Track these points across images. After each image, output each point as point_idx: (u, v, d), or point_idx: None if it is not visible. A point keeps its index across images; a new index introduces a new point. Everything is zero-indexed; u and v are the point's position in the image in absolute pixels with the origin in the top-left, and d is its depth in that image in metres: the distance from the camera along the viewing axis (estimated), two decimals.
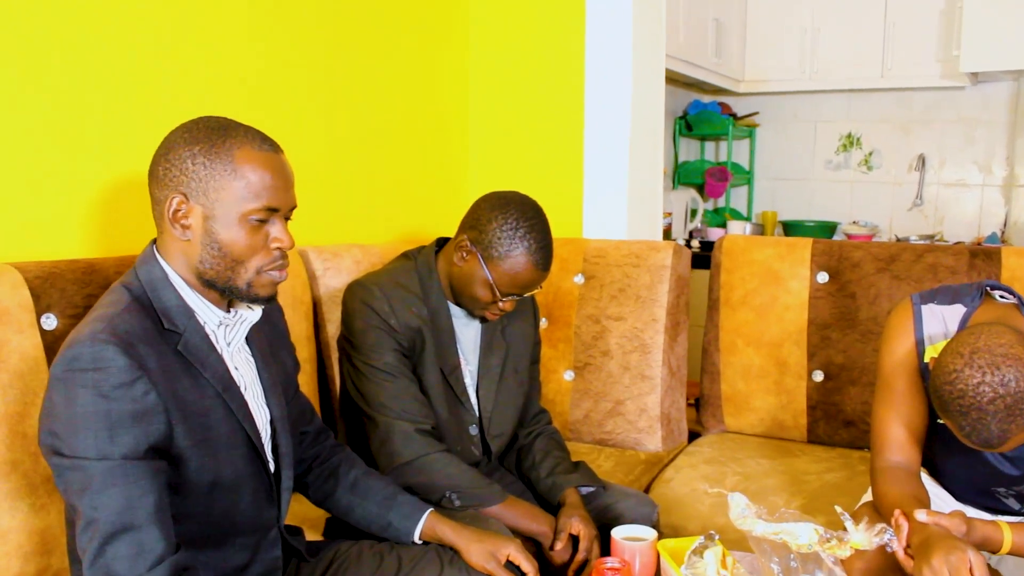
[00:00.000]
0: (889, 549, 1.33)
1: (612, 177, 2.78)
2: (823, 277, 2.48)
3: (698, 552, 1.50)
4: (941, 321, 1.61)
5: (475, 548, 1.49)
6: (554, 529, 1.72)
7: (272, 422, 1.42)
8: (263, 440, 1.38)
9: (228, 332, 1.36)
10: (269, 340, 1.49)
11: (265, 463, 1.38)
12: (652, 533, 1.63)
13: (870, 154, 4.70)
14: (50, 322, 1.57)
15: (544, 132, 2.88)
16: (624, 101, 2.76)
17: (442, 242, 1.89)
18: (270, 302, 1.35)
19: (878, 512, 1.59)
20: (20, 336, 1.51)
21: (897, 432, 1.63)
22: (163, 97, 1.91)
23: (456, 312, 1.84)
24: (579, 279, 2.55)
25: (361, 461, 1.65)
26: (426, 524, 1.55)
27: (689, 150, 5.03)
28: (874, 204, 4.72)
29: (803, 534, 1.23)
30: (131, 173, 1.86)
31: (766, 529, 1.25)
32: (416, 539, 1.55)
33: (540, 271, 1.73)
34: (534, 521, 1.72)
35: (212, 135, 1.27)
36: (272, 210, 1.29)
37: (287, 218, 1.33)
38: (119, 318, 1.22)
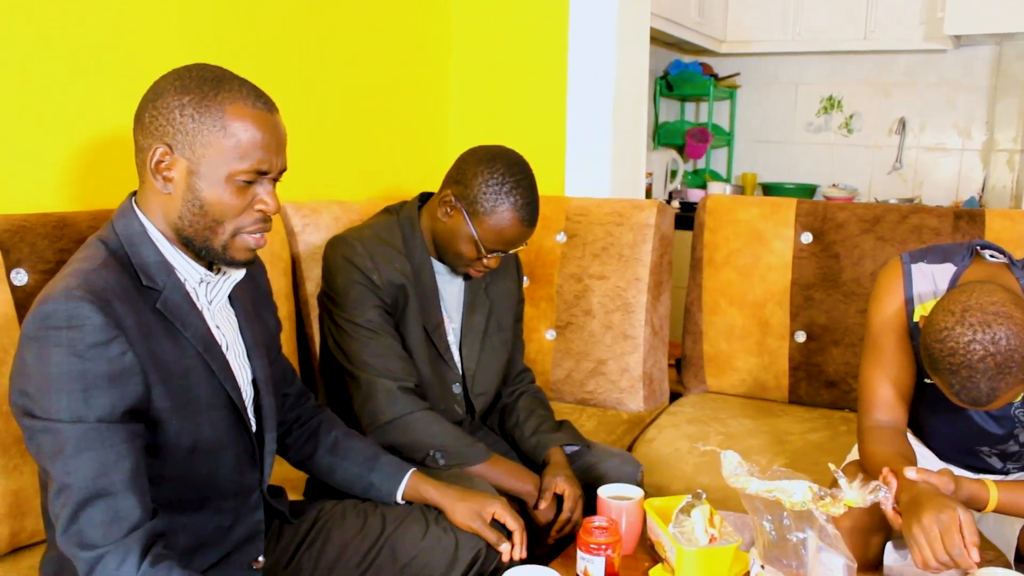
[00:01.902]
0: (883, 506, 1.32)
1: (595, 135, 2.74)
2: (807, 237, 2.47)
3: (685, 511, 1.49)
4: (931, 280, 1.59)
5: (460, 507, 1.47)
6: (539, 488, 1.71)
7: (255, 383, 1.38)
8: (245, 401, 1.34)
9: (210, 290, 1.31)
10: (252, 299, 1.44)
11: (247, 425, 1.33)
12: (638, 492, 1.62)
13: (851, 117, 4.68)
14: (20, 277, 1.53)
15: (526, 89, 2.82)
16: (608, 58, 2.71)
17: (425, 197, 1.84)
18: (246, 266, 1.30)
19: (865, 471, 1.58)
20: None
21: (885, 391, 1.62)
22: (138, 48, 1.84)
23: (439, 269, 1.80)
24: (561, 237, 2.52)
25: (342, 422, 1.61)
26: (409, 484, 1.52)
27: (669, 110, 4.99)
28: (854, 167, 4.71)
29: (797, 492, 1.21)
30: (105, 125, 1.80)
31: (759, 487, 1.24)
32: (399, 499, 1.53)
33: (526, 227, 1.70)
34: (519, 480, 1.70)
35: (204, 86, 1.20)
36: (261, 173, 1.23)
37: (275, 180, 1.27)
38: (95, 274, 1.16)
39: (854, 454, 1.81)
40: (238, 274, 1.33)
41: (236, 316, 1.38)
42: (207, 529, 1.31)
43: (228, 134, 1.19)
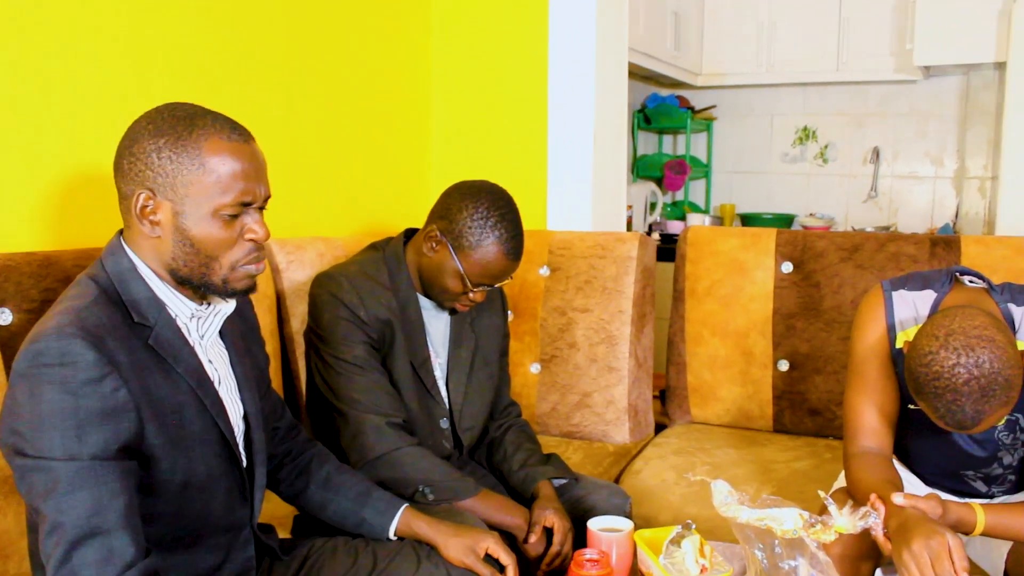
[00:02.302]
0: (873, 533, 1.33)
1: (576, 169, 2.77)
2: (787, 267, 2.50)
3: (675, 542, 1.49)
4: (912, 307, 1.62)
5: (453, 543, 1.47)
6: (528, 521, 1.70)
7: (246, 417, 1.38)
8: (236, 436, 1.33)
9: (201, 325, 1.31)
10: (241, 332, 1.45)
11: (238, 460, 1.33)
12: (628, 524, 1.62)
13: (826, 147, 4.74)
14: (5, 317, 1.53)
15: (507, 124, 2.85)
16: (588, 92, 2.74)
17: (410, 233, 1.85)
18: (248, 294, 1.31)
19: (852, 498, 1.59)
20: None
21: (870, 418, 1.63)
22: (121, 86, 1.85)
23: (425, 304, 1.81)
24: (544, 271, 2.53)
25: (333, 457, 1.61)
26: (401, 520, 1.52)
27: (647, 143, 5.04)
28: (830, 196, 4.77)
29: (788, 519, 1.22)
30: (89, 163, 1.80)
31: (750, 515, 1.24)
32: (391, 535, 1.52)
33: (511, 261, 1.71)
34: (508, 514, 1.70)
35: (178, 126, 1.20)
36: (246, 204, 1.24)
37: (262, 208, 1.28)
38: (86, 311, 1.16)
39: (841, 481, 1.82)
40: (228, 307, 1.33)
41: (227, 350, 1.38)
42: (199, 567, 1.30)
43: (208, 170, 1.20)
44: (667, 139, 5.12)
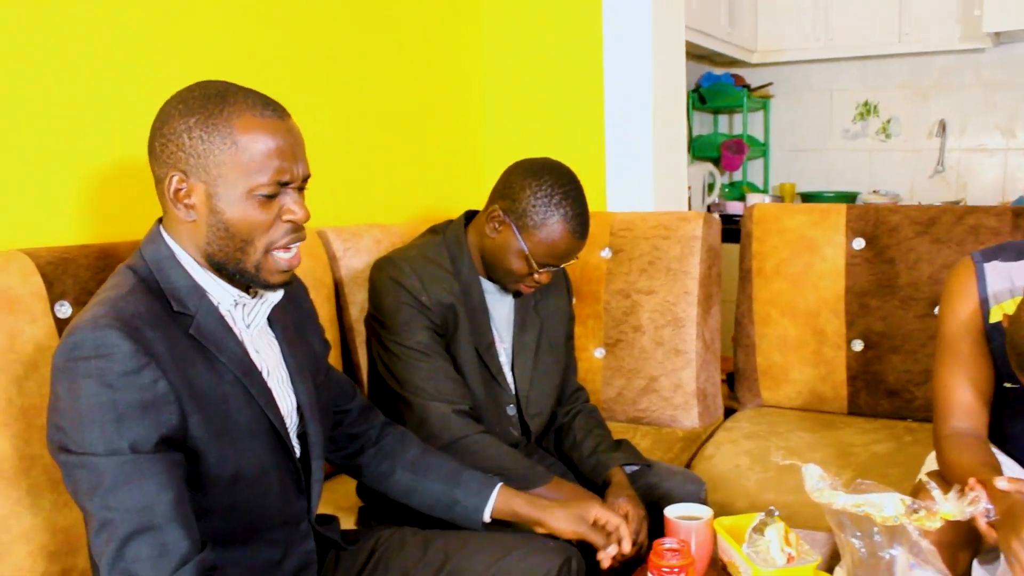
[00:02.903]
0: (985, 519, 1.24)
1: (636, 148, 2.69)
2: (859, 243, 2.39)
3: (758, 529, 1.42)
4: (1007, 278, 1.52)
5: (560, 514, 1.42)
6: None
7: (299, 409, 1.32)
8: (289, 428, 1.28)
9: (247, 313, 1.25)
10: (295, 321, 1.39)
11: (291, 452, 1.27)
12: (707, 511, 1.54)
13: (888, 122, 4.59)
14: (64, 310, 1.50)
15: (562, 104, 2.78)
16: (645, 70, 2.66)
17: (471, 215, 1.80)
18: (283, 287, 1.24)
19: (946, 482, 1.50)
20: (34, 325, 1.44)
21: (964, 396, 1.54)
22: (171, 73, 1.82)
23: (488, 287, 1.75)
24: (606, 253, 2.46)
25: (417, 438, 1.54)
26: (498, 499, 1.44)
27: (702, 124, 4.93)
28: (894, 172, 4.62)
29: (888, 505, 1.14)
30: (142, 152, 1.78)
31: (847, 501, 1.16)
32: (487, 517, 1.45)
33: (577, 239, 1.64)
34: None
35: (209, 103, 1.14)
36: (282, 184, 1.17)
37: (301, 188, 1.21)
38: (123, 301, 1.11)
39: (928, 465, 1.72)
40: (275, 296, 1.28)
41: (277, 340, 1.33)
42: (257, 562, 1.26)
43: (240, 149, 1.14)
44: (722, 119, 5.00)
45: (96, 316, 1.07)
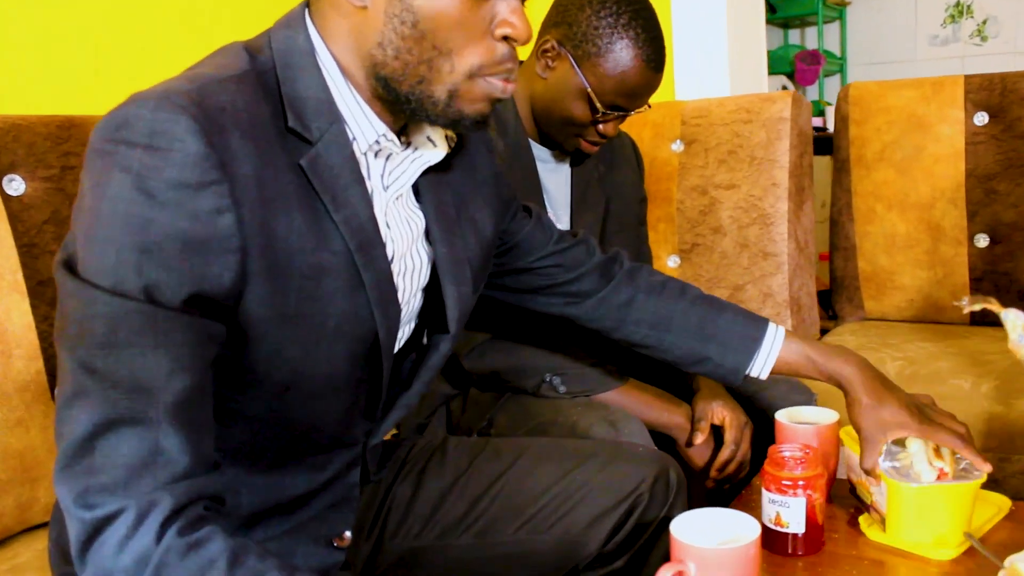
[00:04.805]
0: None
1: (707, 26, 2.32)
2: (982, 118, 2.01)
3: (899, 442, 1.08)
4: None
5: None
6: (690, 419, 1.31)
7: (421, 317, 0.99)
8: (396, 340, 0.92)
9: (390, 166, 0.89)
10: (460, 197, 1.01)
11: (381, 371, 0.91)
12: (831, 414, 1.20)
13: (984, 22, 4.13)
14: (16, 185, 1.23)
15: None
16: None
17: None
18: (479, 128, 0.87)
19: None
20: None
21: None
22: None
23: (541, 154, 1.42)
24: (677, 146, 2.11)
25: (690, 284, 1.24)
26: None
27: (772, 38, 4.51)
28: None
29: None
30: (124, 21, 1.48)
31: None
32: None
33: (651, 71, 1.29)
34: (664, 410, 1.30)
35: None
36: None
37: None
38: (219, 85, 0.77)
39: None
40: (434, 154, 0.92)
41: (426, 218, 0.96)
42: (282, 491, 0.92)
43: None
44: (793, 32, 4.58)
45: (169, 91, 0.73)
